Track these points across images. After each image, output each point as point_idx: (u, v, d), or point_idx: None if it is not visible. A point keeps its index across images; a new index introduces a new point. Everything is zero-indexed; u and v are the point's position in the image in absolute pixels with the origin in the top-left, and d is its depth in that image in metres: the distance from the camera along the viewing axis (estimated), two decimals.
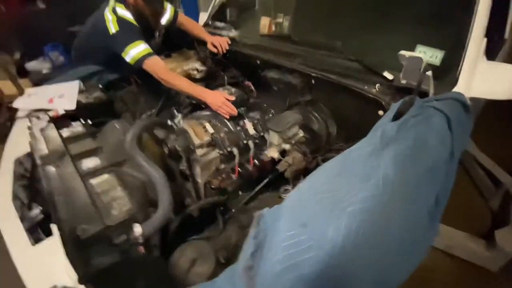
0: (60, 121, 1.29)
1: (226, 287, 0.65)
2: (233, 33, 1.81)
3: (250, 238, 0.65)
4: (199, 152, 1.18)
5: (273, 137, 1.23)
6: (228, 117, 1.29)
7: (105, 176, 0.98)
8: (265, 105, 1.46)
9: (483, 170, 2.00)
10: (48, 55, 3.59)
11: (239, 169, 1.27)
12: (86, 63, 1.78)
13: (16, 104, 1.48)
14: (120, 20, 1.40)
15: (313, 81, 1.28)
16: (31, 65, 3.55)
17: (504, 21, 1.40)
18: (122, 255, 0.76)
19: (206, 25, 1.99)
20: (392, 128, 0.76)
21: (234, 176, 1.28)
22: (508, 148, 2.16)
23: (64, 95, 1.47)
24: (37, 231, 0.93)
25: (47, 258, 0.80)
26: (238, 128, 1.29)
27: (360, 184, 0.66)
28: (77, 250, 0.74)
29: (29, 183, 1.11)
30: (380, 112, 1.05)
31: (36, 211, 1.00)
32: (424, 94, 0.96)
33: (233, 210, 1.22)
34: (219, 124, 1.28)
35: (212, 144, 1.22)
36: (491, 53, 1.13)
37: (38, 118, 1.30)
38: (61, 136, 1.14)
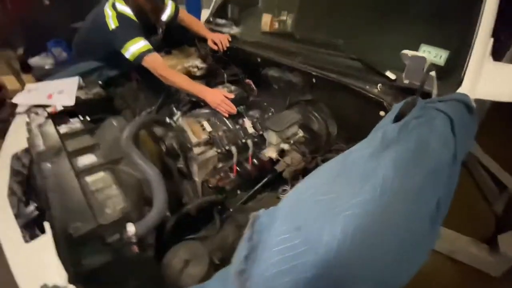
0: (59, 117, 1.29)
1: None
2: (234, 30, 1.79)
3: (244, 240, 0.64)
4: (197, 150, 1.16)
5: (271, 137, 1.21)
6: (227, 115, 1.28)
7: (101, 174, 0.96)
8: (265, 103, 1.44)
9: (487, 173, 1.97)
10: (51, 51, 3.59)
11: (237, 168, 1.26)
12: (86, 59, 1.76)
13: (15, 99, 1.47)
14: (120, 16, 1.38)
15: (314, 80, 1.26)
16: (34, 61, 3.55)
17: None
18: (114, 255, 0.75)
19: (207, 22, 1.97)
20: (393, 129, 0.74)
21: (232, 175, 1.26)
22: None
23: (64, 91, 1.46)
24: (32, 228, 0.92)
25: (40, 256, 0.79)
26: (237, 126, 1.27)
27: (359, 186, 0.65)
28: (69, 248, 0.73)
29: (26, 179, 1.11)
30: (382, 113, 1.03)
31: (31, 208, 0.99)
32: (427, 95, 0.93)
33: (231, 210, 1.21)
34: (218, 122, 1.26)
35: (210, 142, 1.20)
36: (497, 54, 1.10)
37: (36, 114, 1.30)
38: (58, 132, 1.12)
